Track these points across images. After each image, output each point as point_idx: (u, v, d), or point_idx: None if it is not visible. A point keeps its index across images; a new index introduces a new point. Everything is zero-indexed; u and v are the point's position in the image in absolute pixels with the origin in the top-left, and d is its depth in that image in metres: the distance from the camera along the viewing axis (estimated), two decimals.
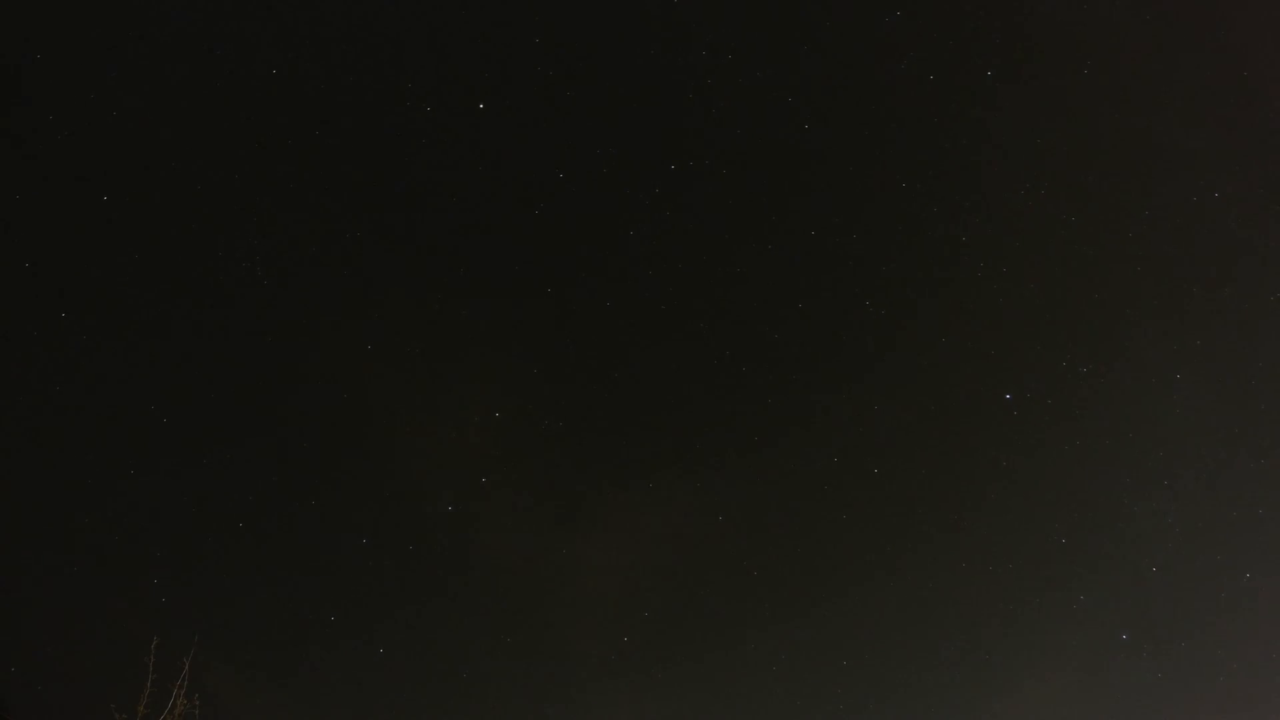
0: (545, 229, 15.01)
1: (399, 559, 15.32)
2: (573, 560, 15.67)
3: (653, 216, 15.10)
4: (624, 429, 15.75)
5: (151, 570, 14.33)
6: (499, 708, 15.44)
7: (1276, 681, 15.52)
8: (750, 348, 15.54)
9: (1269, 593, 15.45)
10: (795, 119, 15.12)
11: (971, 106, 15.24)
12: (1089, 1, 15.01)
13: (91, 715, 11.55)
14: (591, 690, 15.68)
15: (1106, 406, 15.54)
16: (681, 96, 15.10)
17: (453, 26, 14.70)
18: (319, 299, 14.91)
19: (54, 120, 13.66)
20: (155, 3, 13.92)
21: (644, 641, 15.64)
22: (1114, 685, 15.78)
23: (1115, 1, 14.98)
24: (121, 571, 14.32)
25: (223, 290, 14.52)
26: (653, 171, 14.98)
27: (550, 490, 15.66)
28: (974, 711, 15.90)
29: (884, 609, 16.08)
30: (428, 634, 15.58)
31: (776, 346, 15.60)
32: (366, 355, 14.94)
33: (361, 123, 14.77)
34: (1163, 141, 15.31)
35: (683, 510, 15.75)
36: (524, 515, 15.65)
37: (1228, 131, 15.26)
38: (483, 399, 15.36)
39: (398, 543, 15.36)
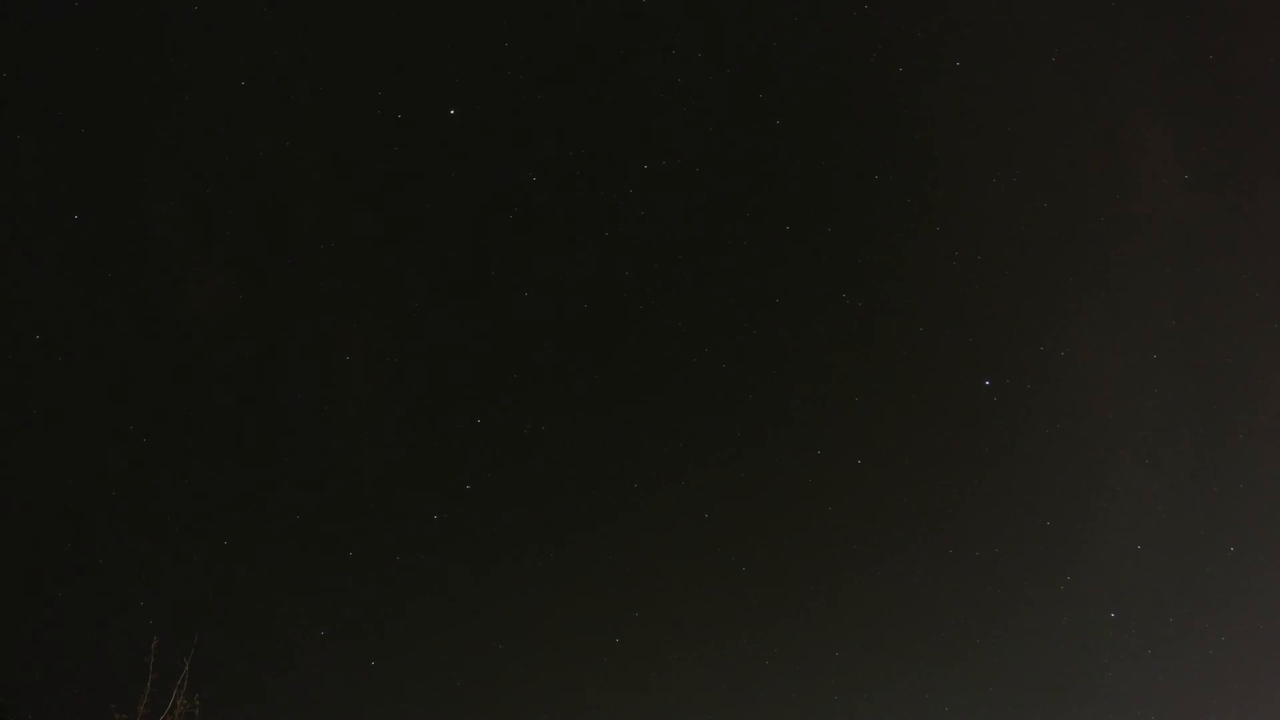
0: (520, 232, 15.08)
1: (389, 567, 15.36)
2: (561, 563, 15.71)
3: (627, 217, 15.16)
4: (605, 430, 15.80)
5: (151, 571, 14.46)
6: (493, 711, 15.47)
7: (1265, 652, 15.70)
8: (730, 345, 15.62)
9: (1254, 565, 15.64)
10: (767, 115, 15.22)
11: (942, 97, 15.36)
12: None
13: (91, 715, 11.55)
14: (585, 693, 15.72)
15: (1086, 389, 15.71)
16: (653, 96, 15.17)
17: (421, 32, 14.72)
18: (299, 304, 14.97)
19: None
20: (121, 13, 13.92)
21: (636, 643, 15.69)
22: (1104, 663, 15.94)
23: None
24: (121, 572, 14.42)
25: (212, 296, 14.57)
26: (626, 172, 15.06)
27: (535, 493, 15.71)
28: (968, 698, 16.02)
29: (874, 599, 16.16)
30: (420, 640, 15.60)
31: (756, 343, 15.68)
32: (347, 364, 15.00)
33: (334, 130, 14.80)
34: (1133, 126, 15.49)
35: (669, 510, 15.81)
36: (510, 519, 15.69)
37: (1197, 115, 15.44)
38: (466, 403, 15.41)
39: (387, 551, 15.40)
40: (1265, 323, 15.28)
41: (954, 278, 15.44)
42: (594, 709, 15.65)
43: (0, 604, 13.84)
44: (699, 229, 15.46)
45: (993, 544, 15.81)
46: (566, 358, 15.56)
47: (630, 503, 15.72)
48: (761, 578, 15.99)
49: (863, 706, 15.85)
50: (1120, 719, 15.80)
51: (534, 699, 15.61)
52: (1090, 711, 15.94)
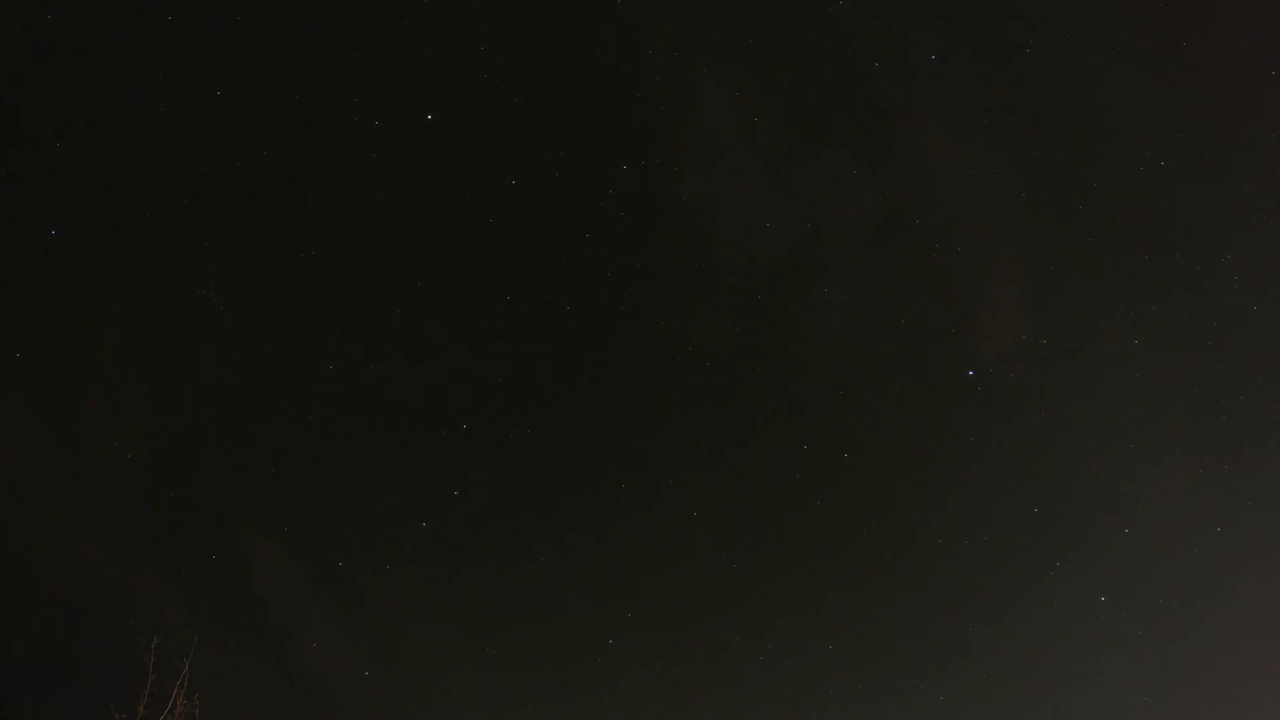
0: (501, 236, 15.06)
1: (382, 572, 15.36)
2: (552, 565, 15.72)
3: (607, 217, 15.17)
4: (591, 431, 15.82)
5: (151, 569, 14.47)
6: (489, 713, 15.50)
7: (1255, 631, 15.83)
8: (713, 342, 15.66)
9: (1239, 543, 15.74)
10: (743, 112, 15.23)
11: (916, 89, 15.38)
12: None
13: (91, 715, 11.56)
14: (581, 694, 15.75)
15: (1068, 376, 15.77)
16: (630, 96, 15.16)
17: (396, 38, 14.67)
18: (283, 308, 14.93)
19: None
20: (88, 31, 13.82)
21: (629, 643, 15.72)
22: (1096, 647, 16.04)
23: None
24: (122, 570, 14.42)
25: (204, 297, 14.61)
26: (605, 172, 15.05)
27: (524, 498, 15.72)
28: (963, 687, 16.11)
29: (865, 592, 16.25)
30: (414, 643, 15.63)
31: (738, 339, 15.74)
32: (328, 372, 14.99)
33: (312, 138, 14.72)
34: (1108, 112, 15.52)
35: (657, 509, 15.84)
36: (499, 524, 15.69)
37: (1172, 100, 15.50)
38: (451, 409, 15.39)
39: (379, 557, 15.40)
40: (1246, 307, 15.39)
41: (933, 269, 15.52)
42: (590, 709, 15.71)
43: (0, 604, 13.85)
44: (678, 227, 15.52)
45: (981, 533, 15.92)
46: (551, 360, 15.58)
47: (619, 503, 15.78)
48: (752, 574, 16.08)
49: (858, 697, 15.95)
50: (1114, 701, 15.96)
51: (530, 701, 15.66)
52: (1084, 695, 16.09)
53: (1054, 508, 15.90)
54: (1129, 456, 15.77)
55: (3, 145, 13.41)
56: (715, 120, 15.17)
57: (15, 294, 14.00)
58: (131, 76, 13.99)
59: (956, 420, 15.82)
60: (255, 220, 14.69)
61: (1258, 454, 15.65)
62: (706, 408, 15.79)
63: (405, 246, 15.15)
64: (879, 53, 14.92)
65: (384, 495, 15.49)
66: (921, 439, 16.07)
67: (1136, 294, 15.67)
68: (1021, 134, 15.55)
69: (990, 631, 16.21)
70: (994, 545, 15.95)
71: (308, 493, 15.26)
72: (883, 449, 16.00)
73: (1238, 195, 15.28)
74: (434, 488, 15.38)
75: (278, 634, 15.20)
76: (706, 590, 16.06)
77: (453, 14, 14.65)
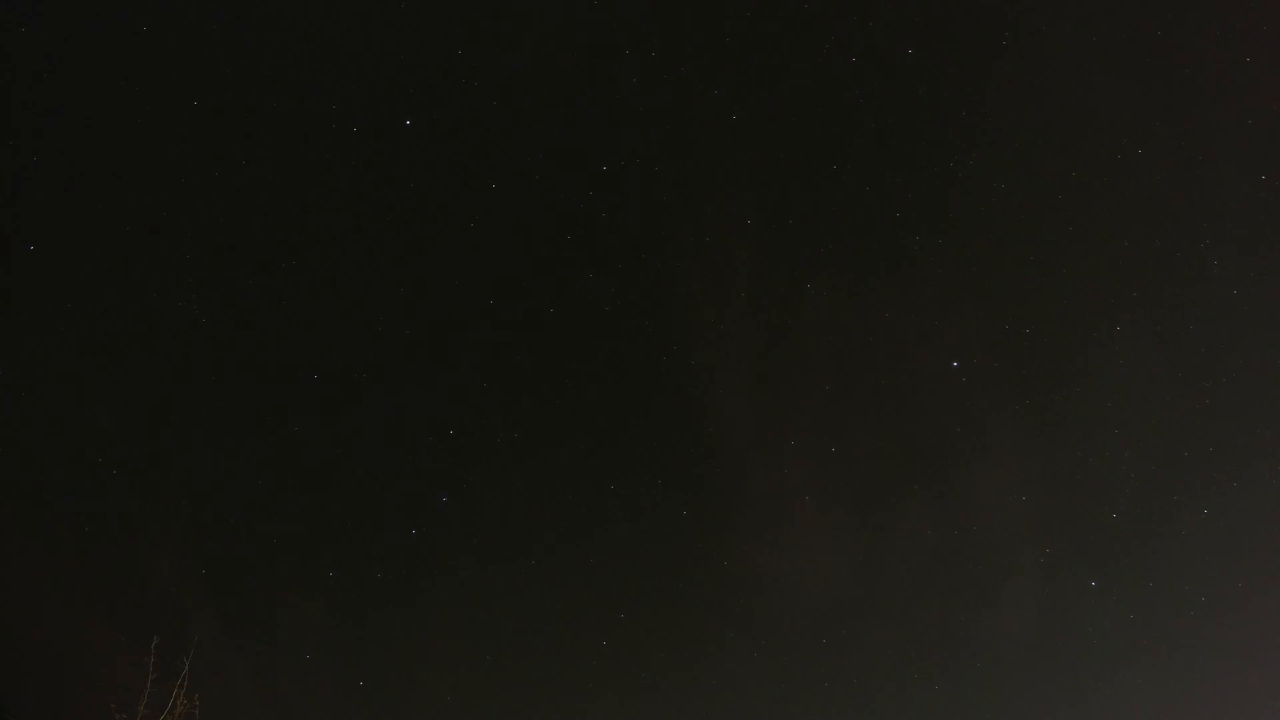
0: (482, 240, 15.03)
1: (380, 574, 15.36)
2: (544, 568, 15.73)
3: (589, 219, 15.17)
4: (579, 432, 15.82)
5: (152, 569, 14.44)
6: (486, 714, 15.51)
7: (1244, 611, 15.97)
8: (699, 340, 15.71)
9: (1226, 525, 15.90)
10: (723, 111, 15.25)
11: (895, 87, 15.43)
12: None
13: (91, 715, 11.50)
14: (577, 696, 15.77)
15: (1052, 364, 15.89)
16: (610, 96, 15.16)
17: (372, 43, 14.63)
18: (271, 317, 14.90)
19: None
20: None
21: (624, 644, 15.75)
22: (1088, 633, 16.17)
23: None
24: (121, 570, 14.38)
25: (210, 307, 14.58)
26: (587, 173, 15.04)
27: (514, 501, 15.72)
28: (957, 674, 16.19)
29: (856, 585, 16.32)
30: (414, 644, 15.61)
31: (725, 337, 15.78)
32: (313, 380, 14.93)
33: (294, 145, 14.68)
34: (1086, 101, 15.62)
35: (648, 509, 15.86)
36: (489, 529, 15.68)
37: (1150, 88, 15.61)
38: (439, 414, 15.37)
39: (377, 559, 15.39)
40: (1226, 290, 15.52)
41: (919, 264, 15.60)
42: (586, 711, 15.72)
43: (0, 604, 13.78)
44: (661, 227, 15.53)
45: (971, 524, 16.02)
46: (536, 363, 15.57)
47: (610, 504, 15.79)
48: (743, 571, 16.11)
49: (852, 690, 16.02)
50: (1107, 686, 16.08)
51: (525, 704, 15.67)
52: (1077, 680, 16.21)
53: (1042, 494, 16.07)
54: (1114, 441, 15.91)
55: None
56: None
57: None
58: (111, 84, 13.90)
59: (942, 411, 15.95)
60: (238, 228, 14.63)
61: (1243, 439, 15.82)
62: (692, 405, 15.88)
63: (389, 249, 15.14)
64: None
65: (372, 501, 15.47)
66: (909, 431, 16.20)
67: (1117, 281, 15.82)
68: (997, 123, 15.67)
69: (983, 621, 16.34)
70: (983, 534, 16.08)
71: (300, 498, 15.23)
72: (871, 444, 16.15)
73: (1216, 182, 15.44)
74: (422, 493, 15.37)
75: (273, 638, 15.18)
76: (698, 588, 16.12)
77: (430, 17, 14.66)
